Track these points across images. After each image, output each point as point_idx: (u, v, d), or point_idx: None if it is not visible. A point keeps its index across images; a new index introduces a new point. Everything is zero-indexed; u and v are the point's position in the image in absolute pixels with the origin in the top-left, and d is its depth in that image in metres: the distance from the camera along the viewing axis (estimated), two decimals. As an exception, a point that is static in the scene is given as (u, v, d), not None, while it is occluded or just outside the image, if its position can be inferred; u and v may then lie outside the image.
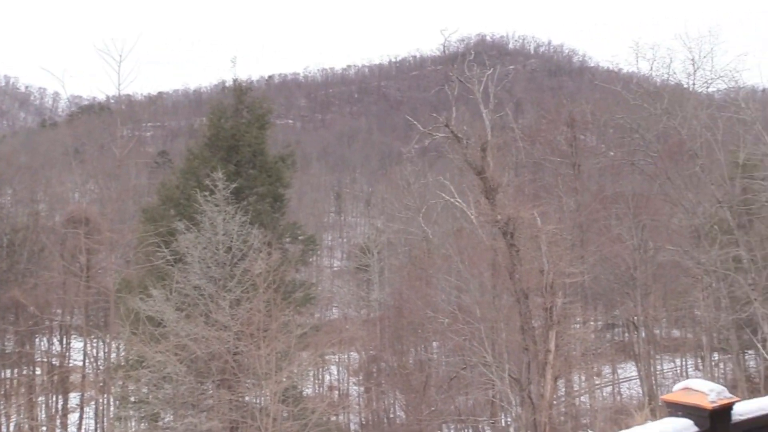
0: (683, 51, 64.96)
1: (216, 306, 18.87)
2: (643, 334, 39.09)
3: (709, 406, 2.56)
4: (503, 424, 31.27)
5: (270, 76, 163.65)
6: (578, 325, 34.57)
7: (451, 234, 37.72)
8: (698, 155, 32.25)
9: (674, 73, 38.80)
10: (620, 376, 44.74)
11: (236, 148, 28.40)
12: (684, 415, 2.59)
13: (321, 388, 45.02)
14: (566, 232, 29.87)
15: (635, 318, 38.15)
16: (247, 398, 19.62)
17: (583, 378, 40.61)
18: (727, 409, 2.66)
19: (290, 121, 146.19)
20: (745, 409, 2.82)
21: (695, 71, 36.38)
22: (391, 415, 40.80)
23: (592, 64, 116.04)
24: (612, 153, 43.59)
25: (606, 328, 47.12)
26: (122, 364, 27.09)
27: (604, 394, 42.96)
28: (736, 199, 31.10)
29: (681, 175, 34.11)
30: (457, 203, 26.75)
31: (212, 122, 29.51)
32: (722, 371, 42.36)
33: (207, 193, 20.78)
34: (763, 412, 2.92)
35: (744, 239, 30.29)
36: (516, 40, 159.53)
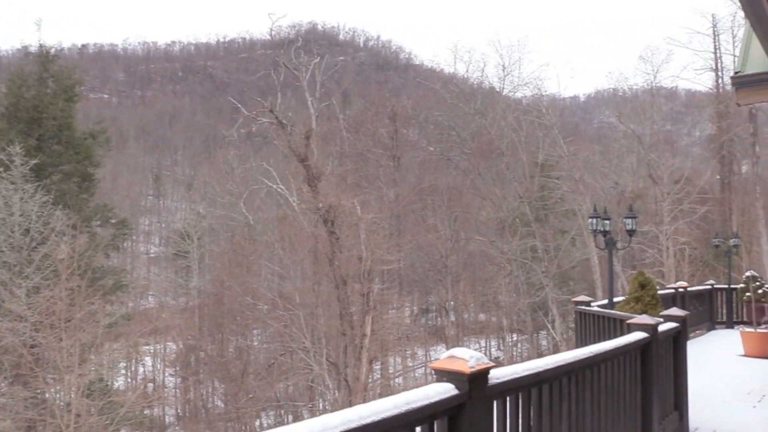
0: (495, 57, 70.22)
1: (10, 294, 17.24)
2: (453, 318, 41.91)
3: (468, 370, 2.91)
4: (321, 408, 31.90)
5: (84, 45, 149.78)
6: (394, 311, 36.20)
7: (273, 221, 37.55)
8: (505, 154, 35.26)
9: (487, 76, 42.10)
10: (432, 358, 47.43)
11: (39, 120, 25.87)
12: (447, 380, 2.92)
13: (134, 381, 42.60)
14: (385, 221, 31.16)
15: (447, 303, 40.76)
16: (47, 395, 18.17)
17: (398, 360, 42.53)
18: (483, 373, 3.03)
19: (105, 96, 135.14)
20: (500, 374, 3.26)
21: (505, 77, 39.78)
22: (209, 405, 39.80)
23: (417, 62, 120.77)
24: (432, 148, 45.97)
25: (420, 313, 49.72)
26: None
27: (417, 375, 45.33)
28: (535, 195, 34.49)
29: (490, 172, 37.03)
30: (279, 190, 26.74)
31: (11, 90, 26.61)
32: (519, 350, 46.61)
33: (1, 169, 18.92)
34: (515, 376, 3.40)
35: (540, 231, 33.71)
36: (347, 32, 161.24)
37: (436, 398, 2.75)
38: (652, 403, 5.52)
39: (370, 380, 26.30)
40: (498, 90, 41.59)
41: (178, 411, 41.95)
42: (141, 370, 45.01)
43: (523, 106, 40.35)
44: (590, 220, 10.56)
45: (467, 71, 44.38)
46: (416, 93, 53.32)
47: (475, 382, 2.94)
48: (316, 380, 26.49)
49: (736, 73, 8.34)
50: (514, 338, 45.58)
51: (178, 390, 43.07)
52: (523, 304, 35.30)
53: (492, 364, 3.12)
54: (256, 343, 36.13)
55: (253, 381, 31.27)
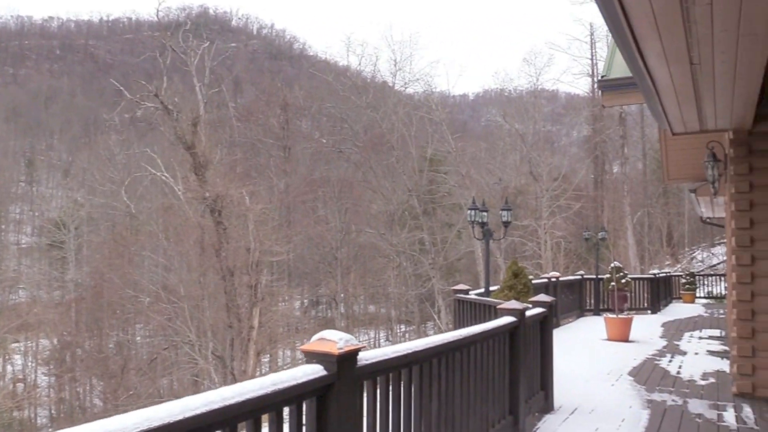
0: (388, 52, 71.01)
1: None
2: (343, 310, 42.20)
3: (337, 352, 2.98)
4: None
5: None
6: (284, 303, 35.92)
7: (157, 210, 36.12)
8: (395, 148, 35.87)
9: (379, 71, 42.63)
10: (322, 350, 47.41)
11: None
12: (317, 362, 2.99)
13: (2, 381, 39.74)
14: (274, 212, 30.81)
15: (337, 295, 40.98)
16: None
17: (287, 353, 42.29)
18: (352, 354, 3.12)
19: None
20: (369, 355, 3.37)
21: (397, 72, 40.42)
22: (87, 405, 37.80)
23: (311, 53, 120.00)
24: (324, 140, 45.91)
25: (310, 305, 49.67)
26: None
27: (306, 367, 45.20)
28: (423, 189, 35.39)
29: (380, 165, 37.55)
30: (164, 178, 25.78)
31: None
32: (407, 340, 47.69)
33: None
34: (385, 358, 3.53)
35: (428, 224, 34.63)
36: (240, 18, 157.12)
37: (304, 379, 2.80)
38: (519, 382, 5.86)
39: (258, 373, 25.98)
40: (390, 85, 42.22)
41: (52, 411, 39.62)
42: (9, 369, 42.20)
43: (414, 101, 41.18)
44: (469, 211, 11.06)
45: (360, 64, 44.77)
46: (309, 84, 52.95)
47: (343, 363, 3.02)
48: (201, 374, 25.84)
49: (602, 77, 9.00)
50: (403, 329, 46.58)
51: (51, 389, 40.64)
52: (411, 296, 36.15)
53: (361, 345, 3.21)
54: (138, 338, 34.73)
55: (135, 377, 30.04)
